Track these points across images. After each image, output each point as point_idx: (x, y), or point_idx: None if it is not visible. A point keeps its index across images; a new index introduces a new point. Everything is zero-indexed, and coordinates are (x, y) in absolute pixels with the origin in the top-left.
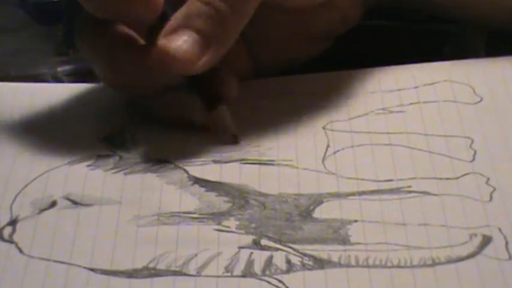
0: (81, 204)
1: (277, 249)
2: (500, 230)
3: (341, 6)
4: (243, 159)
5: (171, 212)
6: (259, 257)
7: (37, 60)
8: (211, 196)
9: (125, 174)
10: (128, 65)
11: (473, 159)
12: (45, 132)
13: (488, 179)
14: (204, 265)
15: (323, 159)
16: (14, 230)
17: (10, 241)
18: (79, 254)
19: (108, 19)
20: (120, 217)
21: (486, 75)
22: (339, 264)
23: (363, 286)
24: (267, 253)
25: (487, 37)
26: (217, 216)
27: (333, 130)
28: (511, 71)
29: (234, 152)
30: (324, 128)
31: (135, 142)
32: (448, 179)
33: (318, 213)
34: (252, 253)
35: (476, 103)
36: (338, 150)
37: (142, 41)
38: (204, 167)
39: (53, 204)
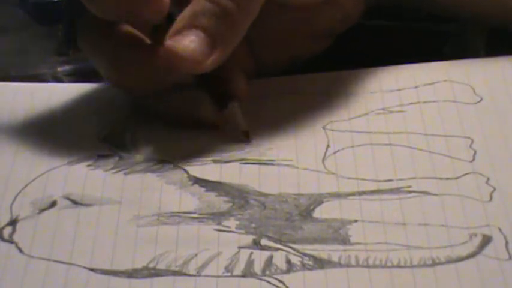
0: (81, 204)
1: (277, 249)
2: (500, 230)
3: (343, 3)
4: (243, 159)
5: (171, 212)
6: (259, 257)
7: (37, 60)
8: (211, 196)
9: (125, 174)
10: (134, 64)
11: (473, 159)
12: (45, 132)
13: (488, 179)
14: (204, 265)
15: (323, 159)
16: (14, 230)
17: (10, 241)
18: (79, 254)
19: (110, 22)
20: (120, 217)
21: (486, 75)
22: (339, 264)
23: (363, 286)
24: (267, 253)
25: (487, 37)
26: (217, 216)
27: (333, 130)
28: (511, 71)
29: (234, 152)
30: (324, 128)
31: (135, 142)
32: (448, 179)
33: (318, 213)
34: (252, 253)
35: (476, 103)
36: (338, 150)
37: (148, 41)
38: (204, 167)
39: (53, 204)
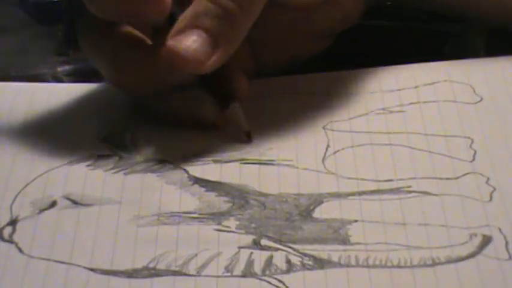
0: (81, 204)
1: (277, 249)
2: (500, 230)
3: (343, 3)
4: (243, 159)
5: (171, 212)
6: (259, 257)
7: (37, 60)
8: (211, 196)
9: (125, 174)
10: (134, 65)
11: (473, 159)
12: (45, 132)
13: (488, 179)
14: (204, 265)
15: (323, 159)
16: (14, 230)
17: (10, 241)
18: (79, 254)
19: (111, 22)
20: (120, 217)
21: (486, 75)
22: (339, 264)
23: (363, 286)
24: (267, 253)
25: (487, 37)
26: (217, 216)
27: (333, 130)
28: (511, 71)
29: (234, 152)
30: (324, 128)
31: (135, 142)
32: (448, 179)
33: (318, 213)
34: (252, 253)
35: (476, 103)
36: (338, 150)
37: (148, 41)
38: (204, 167)
39: (53, 204)
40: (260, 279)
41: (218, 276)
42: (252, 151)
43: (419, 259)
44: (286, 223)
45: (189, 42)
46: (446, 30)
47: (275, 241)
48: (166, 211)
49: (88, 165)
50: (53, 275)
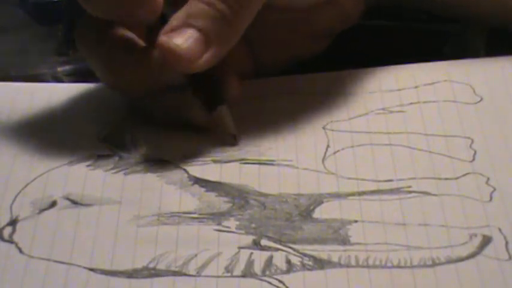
0: (81, 204)
1: (277, 250)
2: (500, 230)
3: (342, 4)
4: (243, 159)
5: (171, 212)
6: (259, 257)
7: (37, 60)
8: (211, 196)
9: (125, 174)
10: (128, 66)
11: (473, 159)
12: (45, 132)
13: (488, 179)
14: (204, 265)
15: (323, 159)
16: (14, 230)
17: (10, 241)
18: (79, 254)
19: (108, 21)
20: (120, 217)
21: (486, 75)
22: (339, 265)
23: (363, 286)
24: (267, 253)
25: (487, 37)
26: (217, 217)
27: (333, 130)
28: (511, 71)
29: (234, 152)
30: (324, 128)
31: (135, 142)
32: (448, 179)
33: (318, 213)
34: (252, 253)
35: (476, 103)
36: (338, 150)
37: (142, 43)
38: (204, 167)
39: (53, 204)
40: (260, 280)
41: (218, 277)
42: (252, 151)
43: (419, 259)
44: (286, 223)
45: (182, 39)
46: (446, 30)
47: (275, 241)
48: (166, 211)
49: (88, 165)
50: (53, 275)
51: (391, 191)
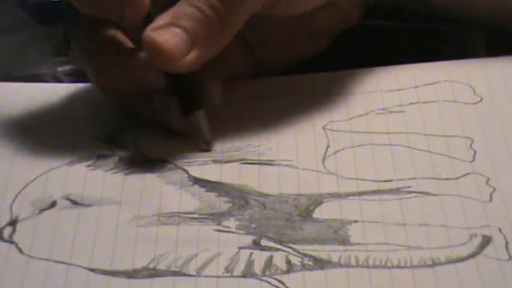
0: (81, 204)
1: (277, 250)
2: (500, 230)
3: (342, 5)
4: (243, 159)
5: (171, 212)
6: (259, 257)
7: (37, 60)
8: (211, 196)
9: (125, 174)
10: (113, 67)
11: (473, 159)
12: (45, 132)
13: (488, 179)
14: (204, 265)
15: (323, 159)
16: (14, 230)
17: (10, 241)
18: (79, 254)
19: (100, 21)
20: (120, 217)
21: (486, 75)
22: (339, 265)
23: (363, 286)
24: (267, 253)
25: (487, 37)
26: (217, 217)
27: (332, 130)
28: (511, 71)
29: (234, 152)
30: (324, 128)
31: (135, 142)
32: (448, 179)
33: (318, 213)
34: (252, 253)
35: (476, 103)
36: (338, 150)
37: (130, 44)
38: (204, 167)
39: (53, 204)
40: (260, 280)
41: (218, 277)
42: (252, 151)
43: (419, 259)
44: (286, 223)
45: (168, 36)
46: (446, 30)
47: (275, 241)
48: (166, 211)
49: (88, 165)
50: (53, 275)
51: (391, 191)
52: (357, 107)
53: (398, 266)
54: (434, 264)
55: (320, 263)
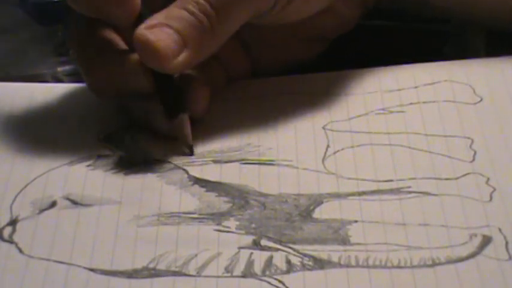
0: (81, 204)
1: (277, 250)
2: (500, 230)
3: (339, 9)
4: (243, 159)
5: (171, 212)
6: (259, 257)
7: (37, 60)
8: (211, 196)
9: (125, 174)
10: (103, 67)
11: (473, 159)
12: (45, 132)
13: (488, 179)
14: (204, 265)
15: (323, 159)
16: (14, 230)
17: (10, 241)
18: (79, 254)
19: (95, 22)
20: (120, 217)
21: (486, 75)
22: (339, 265)
23: (363, 286)
24: (267, 253)
25: (487, 37)
26: (217, 217)
27: (332, 130)
28: (511, 71)
29: (234, 152)
30: (324, 128)
31: (135, 142)
32: (448, 179)
33: (318, 213)
34: (252, 253)
35: (476, 103)
36: (338, 150)
37: (124, 46)
38: (204, 167)
39: (53, 204)
40: (260, 280)
41: (218, 277)
42: (252, 151)
43: (419, 259)
44: (286, 223)
45: (160, 35)
46: (446, 30)
47: (275, 241)
48: (166, 211)
49: (88, 165)
50: (53, 275)
51: (391, 191)
52: (356, 107)
53: (398, 266)
54: (434, 264)
55: (320, 263)
